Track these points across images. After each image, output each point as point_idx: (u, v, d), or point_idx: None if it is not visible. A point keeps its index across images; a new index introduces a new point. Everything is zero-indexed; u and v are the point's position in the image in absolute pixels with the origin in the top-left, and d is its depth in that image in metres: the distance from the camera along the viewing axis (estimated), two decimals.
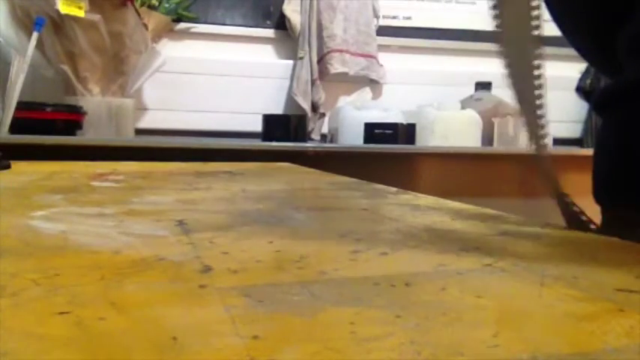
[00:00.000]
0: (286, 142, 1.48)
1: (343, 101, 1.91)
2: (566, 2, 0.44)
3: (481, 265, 0.25)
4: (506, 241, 0.30)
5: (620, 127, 0.40)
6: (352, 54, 1.87)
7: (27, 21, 1.40)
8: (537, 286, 0.22)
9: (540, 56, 0.40)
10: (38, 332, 0.16)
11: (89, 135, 1.42)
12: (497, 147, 1.66)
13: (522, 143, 1.64)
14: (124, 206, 0.40)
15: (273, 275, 0.23)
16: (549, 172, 0.41)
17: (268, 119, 1.59)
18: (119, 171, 0.68)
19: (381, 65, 1.93)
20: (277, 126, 1.57)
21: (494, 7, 0.41)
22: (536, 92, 0.40)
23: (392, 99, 1.89)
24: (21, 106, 1.32)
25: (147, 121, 1.75)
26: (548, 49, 0.40)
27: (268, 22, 1.88)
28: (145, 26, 1.56)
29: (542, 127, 0.41)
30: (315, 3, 1.83)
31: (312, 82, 1.83)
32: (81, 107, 1.41)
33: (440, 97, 1.77)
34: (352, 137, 1.61)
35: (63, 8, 1.36)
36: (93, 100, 1.47)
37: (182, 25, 1.79)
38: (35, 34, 1.35)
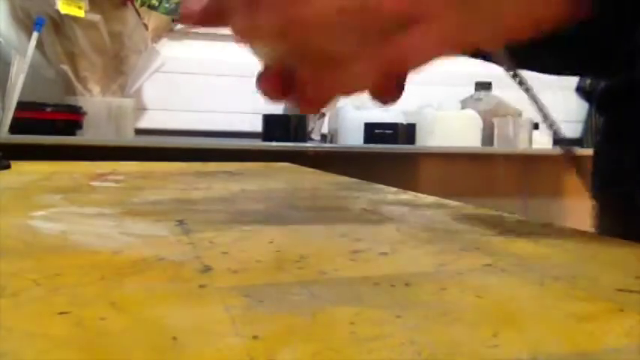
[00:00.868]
0: (286, 142, 1.47)
1: (343, 101, 1.91)
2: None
3: (481, 265, 0.25)
4: (506, 241, 0.30)
5: (622, 126, 0.40)
6: None
7: (27, 21, 1.40)
8: (537, 286, 0.22)
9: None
10: (38, 332, 0.16)
11: (89, 135, 1.42)
12: (497, 147, 1.66)
13: (522, 143, 1.65)
14: (124, 206, 0.40)
15: (273, 275, 0.23)
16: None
17: (268, 119, 1.58)
18: (119, 171, 0.68)
19: None
20: (277, 126, 1.57)
21: None
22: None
23: None
24: (21, 106, 1.32)
25: (147, 121, 1.75)
26: None
27: None
28: (145, 26, 1.56)
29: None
30: None
31: None
32: (81, 107, 1.41)
33: (440, 97, 1.76)
34: (352, 137, 1.61)
35: (63, 8, 1.36)
36: (93, 100, 1.47)
37: (182, 25, 1.79)
38: (35, 34, 1.35)
